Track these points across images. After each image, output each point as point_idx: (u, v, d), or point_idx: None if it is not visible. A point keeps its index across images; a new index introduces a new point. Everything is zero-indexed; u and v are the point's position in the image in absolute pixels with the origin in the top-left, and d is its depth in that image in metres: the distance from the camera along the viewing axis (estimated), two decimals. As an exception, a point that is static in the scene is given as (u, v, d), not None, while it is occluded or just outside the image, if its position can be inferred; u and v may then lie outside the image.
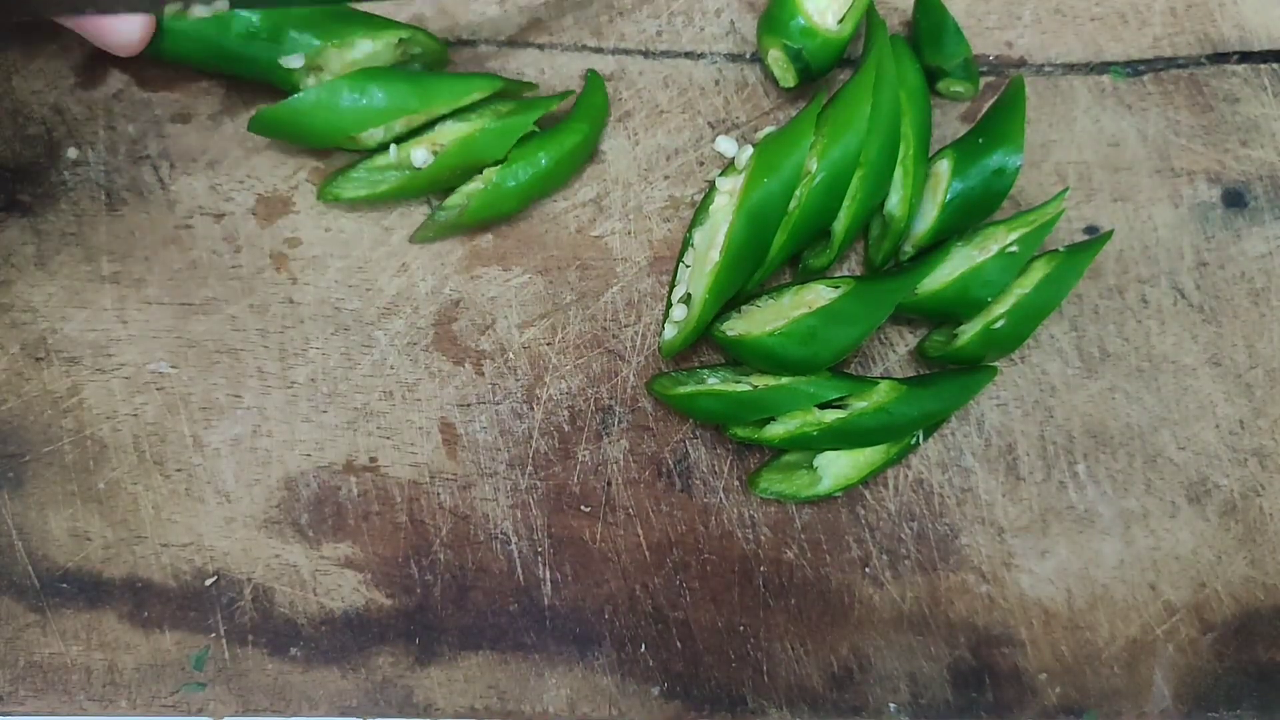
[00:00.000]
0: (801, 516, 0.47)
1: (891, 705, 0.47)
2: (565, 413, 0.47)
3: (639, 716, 0.47)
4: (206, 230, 0.48)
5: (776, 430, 0.45)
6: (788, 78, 0.47)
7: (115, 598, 0.47)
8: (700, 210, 0.47)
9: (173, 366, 0.48)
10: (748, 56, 0.49)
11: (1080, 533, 0.47)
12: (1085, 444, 0.48)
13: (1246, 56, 0.49)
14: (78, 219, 0.48)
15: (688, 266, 0.47)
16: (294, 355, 0.48)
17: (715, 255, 0.44)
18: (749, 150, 0.46)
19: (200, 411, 0.47)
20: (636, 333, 0.48)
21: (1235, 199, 0.48)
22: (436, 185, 0.46)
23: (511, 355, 0.48)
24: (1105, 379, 0.48)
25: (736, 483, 0.47)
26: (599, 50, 0.49)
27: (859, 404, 0.44)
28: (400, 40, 0.46)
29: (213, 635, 0.47)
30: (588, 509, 0.47)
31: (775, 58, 0.47)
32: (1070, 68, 0.49)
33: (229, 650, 0.47)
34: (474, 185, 0.47)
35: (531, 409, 0.47)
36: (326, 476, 0.47)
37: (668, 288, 0.48)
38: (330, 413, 0.47)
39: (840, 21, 0.46)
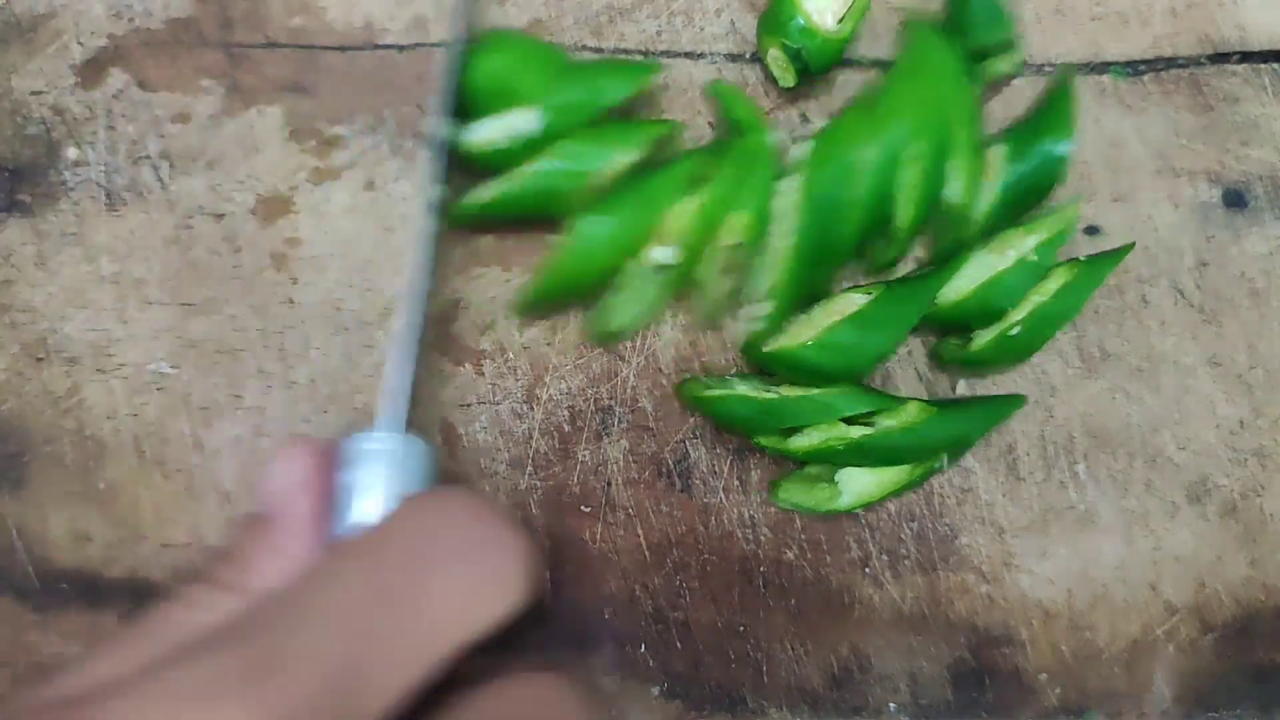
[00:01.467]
0: (802, 517, 0.47)
1: (891, 705, 0.47)
2: (565, 413, 0.47)
3: (639, 716, 0.47)
4: (206, 230, 0.48)
5: (801, 442, 0.45)
6: (787, 77, 0.47)
7: (116, 598, 0.47)
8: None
9: (173, 366, 0.48)
10: (748, 56, 0.49)
11: (1080, 533, 0.47)
12: (1085, 444, 0.48)
13: (1247, 56, 0.49)
14: (78, 219, 0.48)
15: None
16: (294, 355, 0.48)
17: (783, 247, 0.44)
18: (803, 147, 0.46)
19: (200, 411, 0.47)
20: (636, 333, 0.48)
21: (1235, 199, 0.48)
22: (693, 264, 0.45)
23: (511, 355, 0.48)
24: (1105, 379, 0.48)
25: (736, 483, 0.47)
26: (599, 50, 0.49)
27: (887, 422, 0.44)
28: (649, 141, 0.45)
29: (213, 635, 0.47)
30: (588, 509, 0.47)
31: (774, 57, 0.47)
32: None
33: (229, 650, 0.47)
34: (724, 254, 0.45)
35: (531, 409, 0.47)
36: (326, 476, 0.47)
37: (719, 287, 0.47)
38: (330, 413, 0.47)
39: (840, 22, 0.46)
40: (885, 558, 0.47)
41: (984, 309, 0.44)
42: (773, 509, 0.47)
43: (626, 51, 0.49)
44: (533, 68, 0.45)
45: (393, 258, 0.48)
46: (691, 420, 0.47)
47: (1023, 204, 0.45)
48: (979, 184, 0.45)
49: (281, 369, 0.48)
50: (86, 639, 0.47)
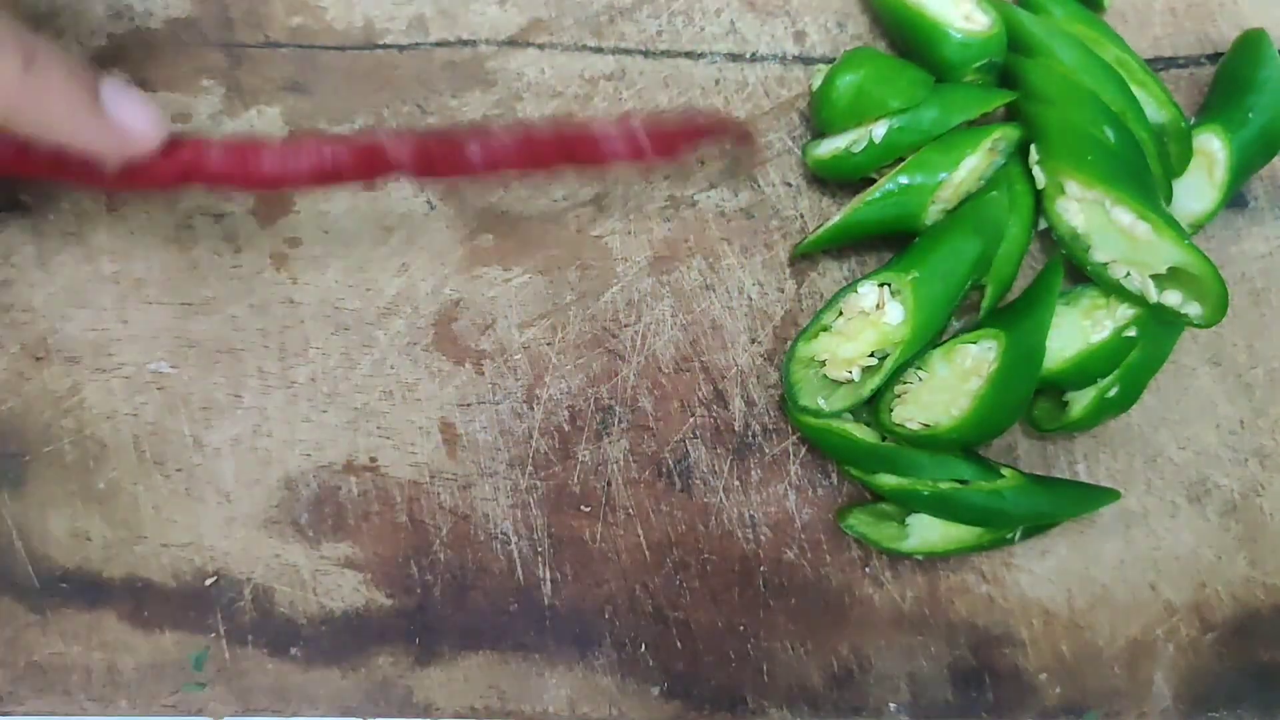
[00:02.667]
0: (801, 516, 0.47)
1: (891, 705, 0.47)
2: (565, 413, 0.47)
3: (639, 716, 0.47)
4: (206, 230, 0.48)
5: (888, 480, 0.45)
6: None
7: (115, 598, 0.47)
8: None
9: (173, 366, 0.48)
10: (748, 56, 0.49)
11: (1080, 533, 0.47)
12: (1085, 444, 0.48)
13: (1246, 56, 0.49)
14: (78, 219, 0.48)
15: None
16: (294, 355, 0.48)
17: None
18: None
19: (200, 411, 0.47)
20: (636, 333, 0.48)
21: (1235, 199, 0.48)
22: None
23: (511, 355, 0.48)
24: (1105, 379, 0.48)
25: (736, 483, 0.47)
26: (599, 50, 0.49)
27: (978, 482, 0.44)
28: (992, 142, 0.45)
29: (213, 635, 0.47)
30: (588, 509, 0.47)
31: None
32: (1070, 68, 0.49)
33: (229, 650, 0.47)
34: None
35: (531, 409, 0.47)
36: (326, 476, 0.47)
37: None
38: (330, 413, 0.47)
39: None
40: (885, 558, 0.47)
41: (1079, 377, 0.44)
42: (773, 508, 0.47)
43: (627, 51, 0.49)
44: (895, 83, 0.44)
45: (392, 257, 0.48)
46: (691, 420, 0.47)
47: (1243, 180, 0.46)
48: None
49: (281, 369, 0.48)
50: (86, 639, 0.47)
